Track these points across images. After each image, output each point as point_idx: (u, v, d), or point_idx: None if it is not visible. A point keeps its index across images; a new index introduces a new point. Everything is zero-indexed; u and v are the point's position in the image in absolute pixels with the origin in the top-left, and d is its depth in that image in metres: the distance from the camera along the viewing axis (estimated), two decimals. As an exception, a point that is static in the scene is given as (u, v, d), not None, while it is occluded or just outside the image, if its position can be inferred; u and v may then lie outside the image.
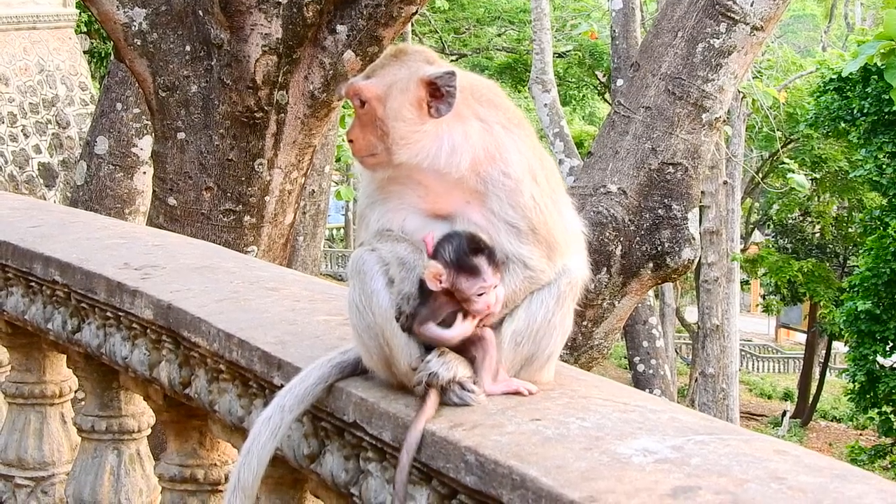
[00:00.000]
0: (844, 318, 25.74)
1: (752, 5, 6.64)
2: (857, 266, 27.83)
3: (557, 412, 2.54)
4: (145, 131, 10.19)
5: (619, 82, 16.41)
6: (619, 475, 2.17)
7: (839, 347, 41.56)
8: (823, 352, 42.59)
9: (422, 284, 2.64)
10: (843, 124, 26.19)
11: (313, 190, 12.26)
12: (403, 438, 2.54)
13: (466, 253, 2.60)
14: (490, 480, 2.33)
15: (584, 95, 43.34)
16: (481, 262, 2.59)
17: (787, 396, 43.28)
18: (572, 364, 6.44)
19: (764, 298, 46.79)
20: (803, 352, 43.95)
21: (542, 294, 2.71)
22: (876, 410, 26.84)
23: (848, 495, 2.06)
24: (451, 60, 35.60)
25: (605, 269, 6.59)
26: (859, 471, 2.21)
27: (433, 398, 2.59)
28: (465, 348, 2.65)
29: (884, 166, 24.89)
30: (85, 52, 25.75)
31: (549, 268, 2.70)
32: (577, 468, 2.23)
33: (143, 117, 10.11)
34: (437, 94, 2.68)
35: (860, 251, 28.32)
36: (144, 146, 10.21)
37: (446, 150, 2.68)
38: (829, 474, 2.17)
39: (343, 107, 11.15)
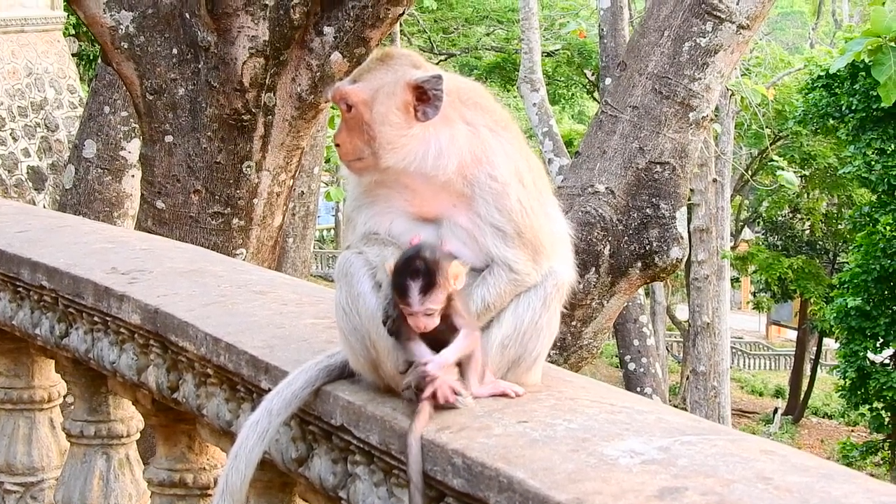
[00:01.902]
0: (835, 314, 25.81)
1: (738, 4, 6.65)
2: (847, 263, 27.92)
3: (544, 414, 2.54)
4: (133, 134, 10.17)
5: (607, 81, 16.42)
6: (605, 476, 2.18)
7: (830, 344, 41.63)
8: (814, 348, 42.66)
9: None
10: (831, 121, 26.27)
11: (302, 191, 12.26)
12: (405, 452, 2.52)
13: (401, 271, 2.59)
14: (477, 483, 2.34)
15: (573, 94, 43.38)
16: (411, 286, 2.56)
17: (778, 393, 43.35)
18: (562, 364, 6.45)
19: (754, 296, 46.87)
20: (794, 349, 44.01)
21: (528, 296, 2.72)
22: (867, 407, 26.91)
23: (834, 495, 2.07)
24: (440, 60, 35.63)
25: (593, 268, 6.60)
26: (846, 470, 2.22)
27: (427, 405, 2.59)
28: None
29: (872, 163, 24.95)
30: (73, 55, 25.70)
31: (534, 271, 2.71)
32: (563, 470, 2.23)
33: (131, 120, 10.09)
34: (424, 97, 2.69)
35: (850, 248, 28.39)
36: (132, 149, 10.20)
37: (433, 154, 2.69)
38: (816, 474, 2.17)
39: (332, 107, 11.15)
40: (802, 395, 40.29)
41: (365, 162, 2.73)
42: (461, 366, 2.64)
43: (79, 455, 4.37)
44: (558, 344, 6.53)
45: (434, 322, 2.59)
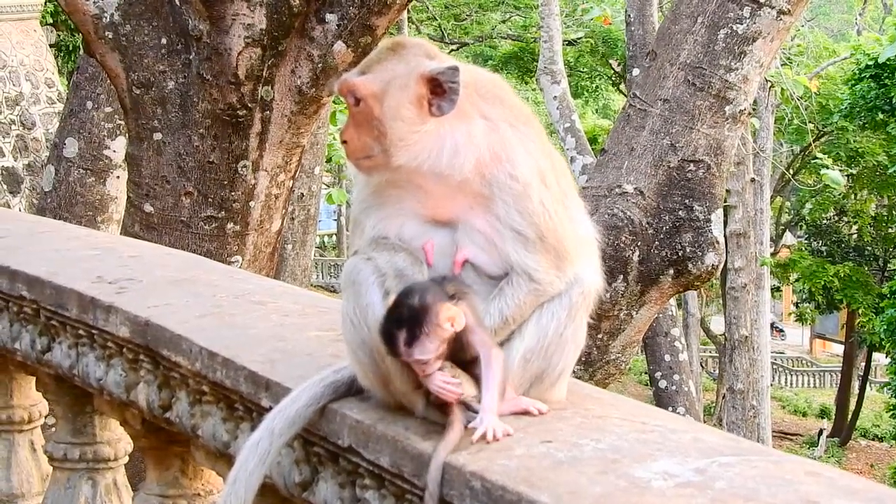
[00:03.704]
0: (885, 326, 25.78)
1: (778, -13, 6.66)
2: (899, 270, 27.85)
3: (570, 433, 2.56)
4: (118, 132, 10.20)
5: (635, 72, 16.43)
6: (637, 501, 2.19)
7: (880, 359, 41.58)
8: (863, 364, 42.56)
9: None
10: (880, 115, 26.24)
11: (302, 193, 12.29)
12: (420, 475, 2.52)
13: (387, 318, 2.61)
14: (498, 508, 2.35)
15: (597, 86, 43.39)
16: (397, 335, 2.58)
17: (823, 413, 43.26)
18: (587, 380, 6.45)
19: (797, 306, 46.79)
20: (840, 364, 43.92)
21: (552, 306, 2.73)
22: (921, 428, 26.86)
23: (885, 520, 2.08)
24: (452, 50, 35.68)
25: (621, 276, 6.61)
26: (898, 493, 2.24)
27: (458, 424, 2.59)
28: (469, 365, 2.67)
29: (926, 160, 24.94)
30: (51, 46, 25.78)
31: (557, 279, 2.72)
32: (591, 494, 2.25)
33: (116, 117, 10.12)
34: (439, 90, 2.70)
35: (901, 253, 28.33)
36: (118, 148, 10.22)
37: (448, 152, 2.71)
38: (865, 497, 2.19)
39: (334, 102, 11.17)
40: (850, 416, 40.19)
41: (374, 160, 2.74)
42: (478, 380, 2.65)
43: (62, 480, 4.39)
44: (583, 359, 6.54)
45: (433, 368, 2.60)
